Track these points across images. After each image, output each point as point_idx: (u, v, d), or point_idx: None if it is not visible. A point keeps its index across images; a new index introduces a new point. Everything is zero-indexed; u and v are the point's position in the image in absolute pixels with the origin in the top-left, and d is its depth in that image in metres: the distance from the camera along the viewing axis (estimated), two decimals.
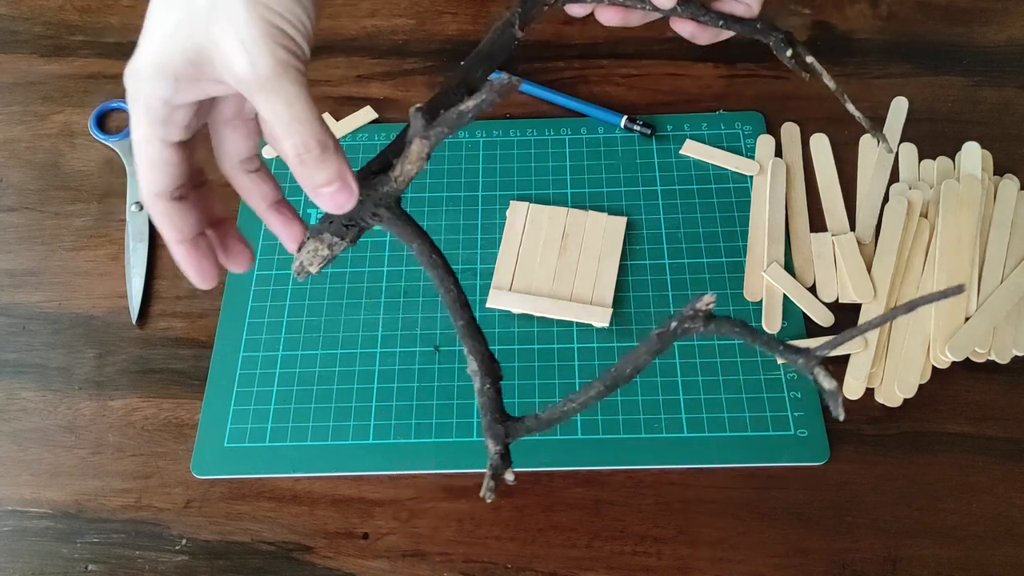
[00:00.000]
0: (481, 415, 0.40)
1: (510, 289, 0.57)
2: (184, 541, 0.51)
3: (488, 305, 0.57)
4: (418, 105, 0.40)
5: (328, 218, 0.44)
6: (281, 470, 0.52)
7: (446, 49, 0.70)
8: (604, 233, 0.59)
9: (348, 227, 0.45)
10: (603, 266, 0.58)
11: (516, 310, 0.57)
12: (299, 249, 0.46)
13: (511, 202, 0.61)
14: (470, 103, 0.37)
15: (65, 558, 0.50)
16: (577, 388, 0.41)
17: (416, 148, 0.41)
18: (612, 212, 0.61)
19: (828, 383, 0.36)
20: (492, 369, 0.41)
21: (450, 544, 0.50)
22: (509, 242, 0.59)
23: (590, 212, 0.60)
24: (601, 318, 0.56)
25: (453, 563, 0.49)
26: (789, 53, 0.46)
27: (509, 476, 0.40)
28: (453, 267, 0.50)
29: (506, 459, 0.40)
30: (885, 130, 0.63)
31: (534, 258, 0.59)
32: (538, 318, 0.57)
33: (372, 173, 0.43)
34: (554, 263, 0.58)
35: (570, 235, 0.59)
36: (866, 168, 0.62)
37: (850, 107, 0.46)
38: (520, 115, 0.66)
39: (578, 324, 0.56)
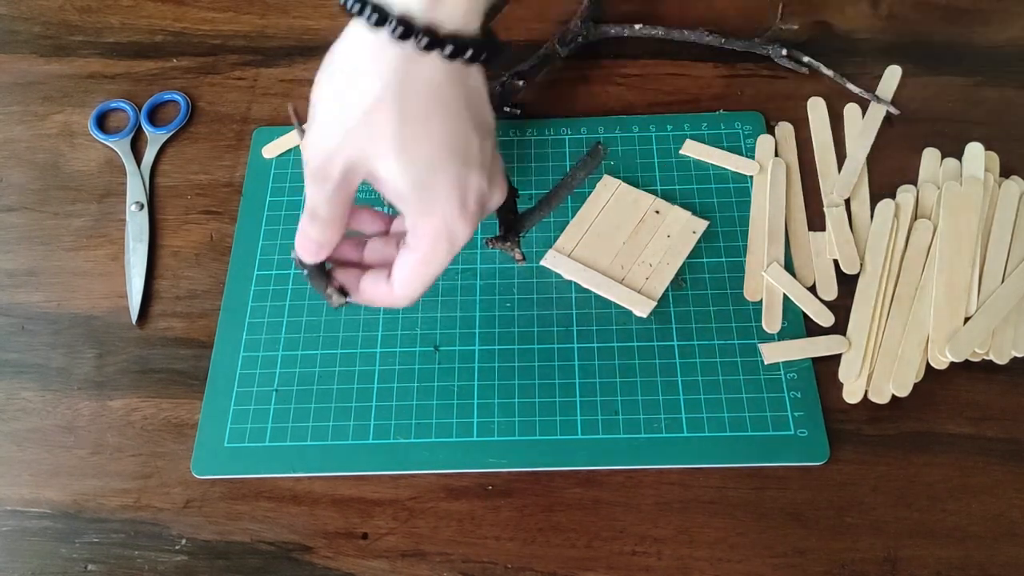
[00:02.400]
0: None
1: (570, 255, 0.58)
2: (184, 541, 0.51)
3: (542, 263, 0.58)
4: None
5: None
6: (281, 470, 0.52)
7: None
8: (681, 230, 0.59)
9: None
10: (666, 260, 0.58)
11: (567, 275, 0.58)
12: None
13: (605, 175, 0.62)
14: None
15: (64, 558, 0.50)
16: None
17: None
18: None
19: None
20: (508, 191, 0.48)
21: (450, 544, 0.50)
22: (587, 211, 0.60)
23: (674, 206, 0.61)
24: (643, 307, 0.56)
25: (453, 563, 0.49)
26: (785, 52, 0.48)
27: (517, 255, 0.50)
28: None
29: (512, 237, 0.51)
30: (877, 94, 0.65)
31: (604, 233, 0.59)
32: (583, 290, 0.57)
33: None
34: (620, 244, 0.59)
35: (647, 223, 0.60)
36: (852, 136, 0.64)
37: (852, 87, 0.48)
38: (520, 115, 0.66)
39: (616, 307, 0.57)
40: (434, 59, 0.37)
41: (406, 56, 0.37)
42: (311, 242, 0.44)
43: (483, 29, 0.39)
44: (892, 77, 0.66)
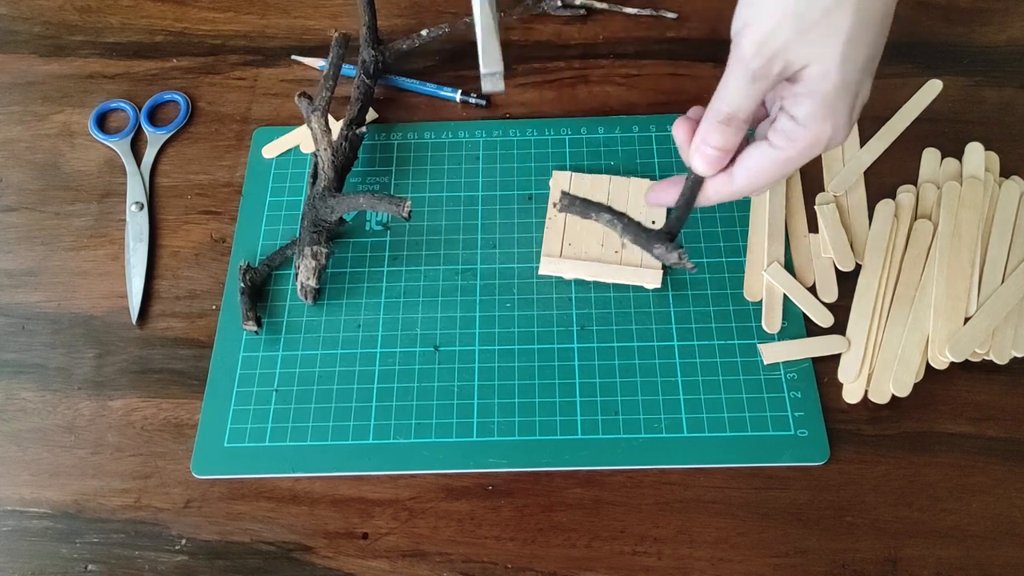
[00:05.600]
0: (636, 239, 0.48)
1: (560, 256, 0.58)
2: (184, 541, 0.51)
3: (541, 272, 0.58)
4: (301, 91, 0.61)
5: (300, 238, 0.56)
6: (281, 470, 0.52)
7: (446, 49, 0.71)
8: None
9: (318, 232, 0.56)
10: (653, 225, 0.58)
11: (568, 276, 0.58)
12: (295, 277, 0.52)
13: (554, 172, 0.62)
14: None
15: (65, 558, 0.50)
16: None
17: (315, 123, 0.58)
18: None
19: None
20: (621, 214, 0.48)
21: (450, 544, 0.50)
22: (554, 210, 0.61)
23: (632, 179, 0.61)
24: (652, 280, 0.57)
25: (453, 563, 0.49)
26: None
27: (689, 264, 0.47)
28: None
29: (679, 246, 0.47)
30: (905, 108, 0.64)
31: (581, 226, 0.59)
32: (583, 289, 0.58)
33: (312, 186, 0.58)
34: (601, 228, 0.59)
35: (614, 201, 0.60)
36: (851, 136, 0.63)
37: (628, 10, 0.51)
38: (520, 115, 0.66)
39: (633, 288, 0.57)
40: None
41: None
42: (719, 151, 0.44)
43: None
44: (931, 90, 0.65)
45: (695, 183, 0.46)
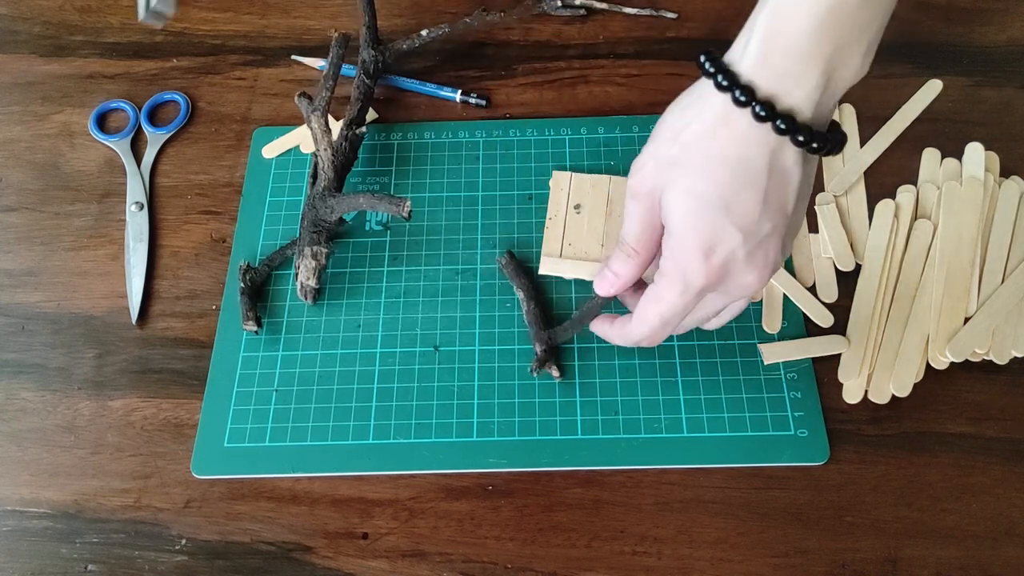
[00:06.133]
0: (528, 326, 0.54)
1: (560, 256, 0.58)
2: (184, 541, 0.51)
3: (541, 272, 0.58)
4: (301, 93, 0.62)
5: (300, 238, 0.58)
6: (281, 470, 0.52)
7: (447, 49, 0.71)
8: None
9: (318, 232, 0.57)
10: None
11: (568, 276, 0.58)
12: (295, 277, 0.51)
13: (554, 172, 0.62)
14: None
15: (64, 558, 0.50)
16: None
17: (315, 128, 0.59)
18: None
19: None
20: (536, 295, 0.54)
21: (450, 544, 0.50)
22: (555, 210, 0.61)
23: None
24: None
25: (453, 563, 0.49)
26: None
27: (555, 372, 0.53)
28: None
29: (550, 355, 0.53)
30: (905, 108, 0.64)
31: (581, 225, 0.60)
32: (582, 289, 0.58)
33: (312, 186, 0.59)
34: (601, 228, 0.59)
35: (615, 200, 0.60)
36: (851, 136, 0.64)
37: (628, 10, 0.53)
38: (520, 115, 0.66)
39: (615, 305, 0.57)
40: (746, 120, 0.39)
41: (728, 108, 0.39)
42: (613, 275, 0.47)
43: (828, 123, 0.40)
44: (931, 90, 0.65)
45: (595, 304, 0.50)
